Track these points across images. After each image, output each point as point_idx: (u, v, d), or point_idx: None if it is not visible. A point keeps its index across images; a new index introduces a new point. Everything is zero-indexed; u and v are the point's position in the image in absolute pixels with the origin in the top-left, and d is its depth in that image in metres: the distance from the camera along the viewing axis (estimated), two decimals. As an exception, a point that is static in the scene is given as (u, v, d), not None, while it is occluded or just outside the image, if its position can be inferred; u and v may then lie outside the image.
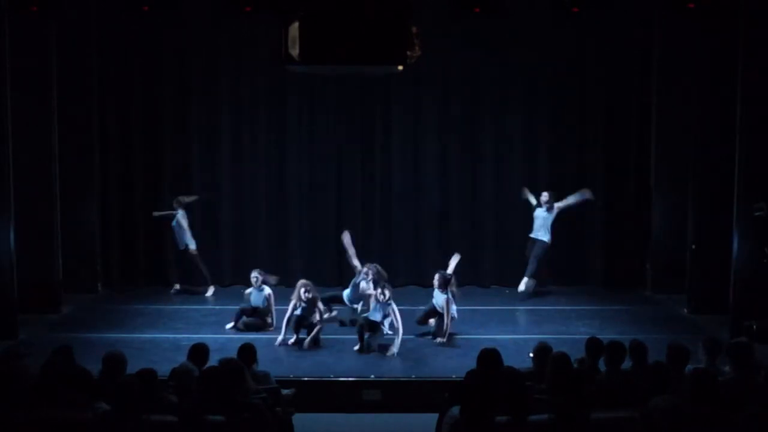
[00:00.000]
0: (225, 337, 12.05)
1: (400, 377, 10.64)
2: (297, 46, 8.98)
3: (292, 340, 11.89)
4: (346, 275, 15.65)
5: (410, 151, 15.84)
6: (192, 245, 14.75)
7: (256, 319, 12.59)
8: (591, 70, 15.61)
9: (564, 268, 15.75)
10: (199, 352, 8.17)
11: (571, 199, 14.55)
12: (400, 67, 9.37)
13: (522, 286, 14.33)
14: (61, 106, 13.80)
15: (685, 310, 13.70)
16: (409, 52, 9.19)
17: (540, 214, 14.50)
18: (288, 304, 12.06)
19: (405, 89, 15.57)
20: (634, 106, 15.60)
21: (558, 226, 15.73)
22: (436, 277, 12.25)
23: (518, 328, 12.86)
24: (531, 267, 14.41)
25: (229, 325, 12.63)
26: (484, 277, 15.67)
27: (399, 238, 15.89)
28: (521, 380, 6.99)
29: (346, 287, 15.25)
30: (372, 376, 10.60)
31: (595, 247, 15.79)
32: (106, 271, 15.53)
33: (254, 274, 12.86)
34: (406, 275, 15.73)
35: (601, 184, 15.68)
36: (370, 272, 12.76)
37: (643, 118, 15.40)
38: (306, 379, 10.39)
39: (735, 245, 12.14)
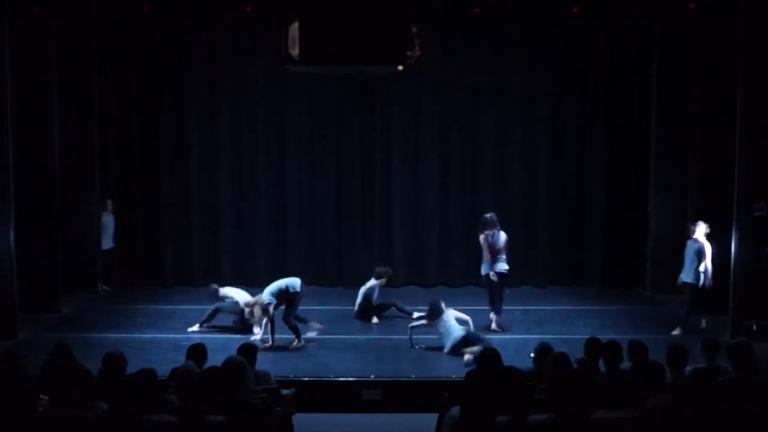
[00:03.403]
0: (225, 337, 12.04)
1: (400, 377, 10.64)
2: (297, 46, 8.97)
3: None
4: (346, 275, 15.71)
5: (410, 150, 15.85)
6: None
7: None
8: (591, 70, 15.62)
9: (564, 268, 15.77)
10: (197, 352, 8.16)
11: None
12: (400, 67, 9.36)
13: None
14: (61, 106, 13.80)
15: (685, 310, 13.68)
16: (409, 52, 9.18)
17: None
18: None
19: (405, 89, 15.58)
20: (634, 106, 15.61)
21: (558, 226, 15.77)
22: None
23: (518, 328, 12.84)
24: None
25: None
26: (484, 277, 15.69)
27: (399, 238, 15.89)
28: (522, 380, 6.99)
29: (347, 287, 15.34)
30: (372, 376, 10.59)
31: (595, 247, 15.80)
32: (106, 271, 15.54)
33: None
34: (407, 275, 15.73)
35: (601, 185, 15.70)
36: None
37: (643, 119, 15.40)
38: (306, 379, 10.38)
39: (735, 245, 12.13)
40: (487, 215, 12.95)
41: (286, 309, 11.81)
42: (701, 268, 12.08)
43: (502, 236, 12.79)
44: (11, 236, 12.20)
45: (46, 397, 6.66)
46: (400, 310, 13.50)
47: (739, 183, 12.06)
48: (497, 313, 12.70)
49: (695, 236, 12.24)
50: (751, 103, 11.95)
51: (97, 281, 15.17)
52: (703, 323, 12.48)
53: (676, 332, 12.17)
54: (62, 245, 14.02)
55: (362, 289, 13.44)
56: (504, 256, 12.77)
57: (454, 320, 11.68)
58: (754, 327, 11.72)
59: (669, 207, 14.74)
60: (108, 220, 15.30)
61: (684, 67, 14.22)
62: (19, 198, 12.57)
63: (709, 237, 12.24)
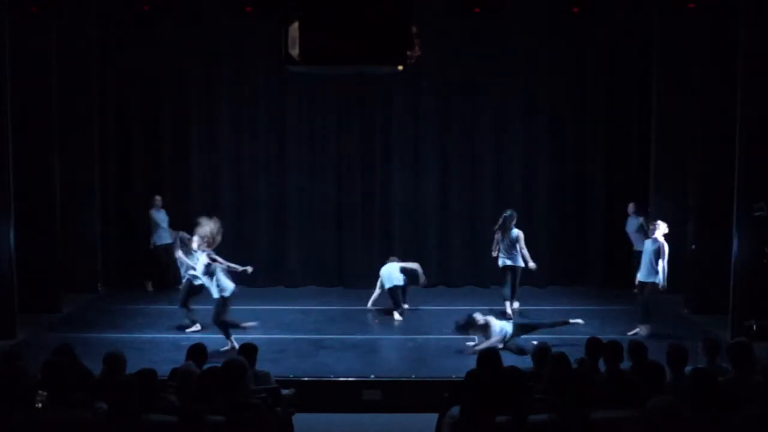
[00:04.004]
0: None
1: (400, 377, 10.64)
2: (297, 46, 8.97)
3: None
4: (346, 275, 15.70)
5: (410, 150, 15.85)
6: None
7: None
8: (591, 70, 15.62)
9: (564, 268, 15.76)
10: (197, 352, 8.16)
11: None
12: (400, 67, 9.36)
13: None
14: (61, 107, 13.81)
15: (685, 310, 13.70)
16: (409, 52, 9.18)
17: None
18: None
19: (405, 89, 15.58)
20: (634, 106, 15.61)
21: (558, 226, 15.77)
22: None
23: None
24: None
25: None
26: (484, 277, 15.67)
27: (399, 238, 15.88)
28: (522, 380, 6.99)
29: (347, 287, 15.32)
30: (372, 376, 10.59)
31: (595, 247, 15.80)
32: (106, 271, 15.53)
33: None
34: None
35: (601, 185, 15.70)
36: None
37: (643, 119, 15.40)
38: (306, 379, 10.38)
39: (735, 245, 12.14)
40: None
41: (217, 310, 11.61)
42: (659, 268, 12.06)
43: (511, 234, 13.49)
44: (11, 236, 12.20)
45: (45, 393, 6.66)
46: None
47: (739, 183, 12.05)
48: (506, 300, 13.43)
49: (655, 236, 12.18)
50: (751, 103, 11.94)
51: (97, 281, 15.18)
52: (638, 330, 12.22)
53: (641, 332, 12.04)
54: (62, 245, 14.02)
55: (396, 270, 13.63)
56: (506, 252, 13.52)
57: (497, 321, 11.84)
58: (754, 327, 11.72)
59: (669, 207, 14.74)
60: (160, 215, 15.18)
61: (684, 67, 14.21)
62: (19, 198, 12.57)
63: (666, 237, 12.19)
